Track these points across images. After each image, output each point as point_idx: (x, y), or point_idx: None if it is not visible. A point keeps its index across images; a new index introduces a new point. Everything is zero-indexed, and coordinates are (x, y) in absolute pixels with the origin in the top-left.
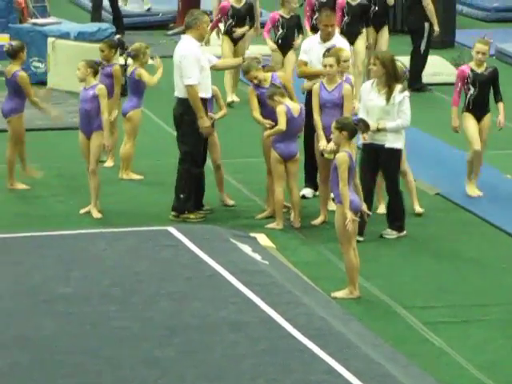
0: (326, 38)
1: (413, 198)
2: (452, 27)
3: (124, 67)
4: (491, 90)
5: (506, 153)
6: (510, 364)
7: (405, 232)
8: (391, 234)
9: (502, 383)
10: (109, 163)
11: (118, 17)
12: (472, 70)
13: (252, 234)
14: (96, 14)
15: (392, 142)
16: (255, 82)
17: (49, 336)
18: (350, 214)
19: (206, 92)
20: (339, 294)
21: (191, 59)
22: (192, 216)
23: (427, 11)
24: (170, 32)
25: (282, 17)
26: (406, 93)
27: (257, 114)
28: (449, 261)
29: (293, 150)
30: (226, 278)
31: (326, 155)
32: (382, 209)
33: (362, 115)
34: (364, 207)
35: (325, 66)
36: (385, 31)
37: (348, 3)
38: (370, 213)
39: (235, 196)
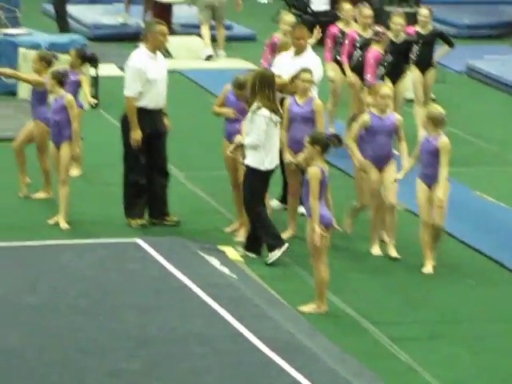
0: (298, 51)
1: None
2: None
3: (95, 79)
4: None
5: (475, 169)
6: (477, 381)
7: (256, 256)
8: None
9: None
10: (75, 172)
11: (62, 17)
12: None
13: (220, 247)
14: (63, 24)
15: (248, 159)
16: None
17: (14, 346)
18: (318, 229)
19: (151, 102)
20: (307, 308)
21: (132, 71)
22: (132, 222)
23: None
24: (140, 44)
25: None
26: (262, 112)
27: (217, 108)
28: (417, 277)
29: None
30: (193, 291)
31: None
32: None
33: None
34: (334, 222)
35: (303, 81)
36: (432, 73)
37: (392, 41)
38: (340, 228)
39: (204, 209)
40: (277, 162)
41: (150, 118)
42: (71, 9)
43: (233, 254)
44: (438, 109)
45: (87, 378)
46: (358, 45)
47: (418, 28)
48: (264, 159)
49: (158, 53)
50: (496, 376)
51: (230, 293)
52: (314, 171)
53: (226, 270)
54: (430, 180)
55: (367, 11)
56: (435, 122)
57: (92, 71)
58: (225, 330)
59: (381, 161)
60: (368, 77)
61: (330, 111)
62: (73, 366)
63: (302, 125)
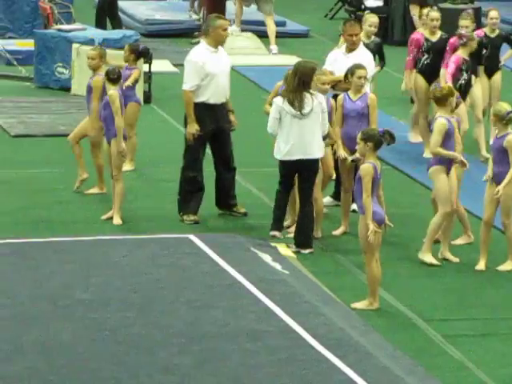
0: (350, 48)
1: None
2: None
3: (148, 75)
4: None
5: None
6: None
7: (308, 251)
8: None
9: None
10: (127, 167)
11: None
12: None
13: (272, 244)
14: (101, 23)
15: None
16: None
17: (66, 341)
18: (371, 225)
19: (212, 96)
20: (359, 304)
21: (191, 65)
22: (185, 217)
23: None
24: (194, 40)
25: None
26: (275, 99)
27: (268, 106)
28: (469, 274)
29: None
30: (245, 287)
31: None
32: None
33: None
34: (387, 219)
35: (359, 77)
36: (499, 77)
37: (486, 35)
38: (392, 225)
39: (256, 205)
40: (303, 156)
41: (212, 114)
42: (124, 4)
43: (285, 250)
44: (504, 106)
45: (139, 374)
46: (423, 49)
47: (486, 30)
48: (281, 149)
49: (221, 48)
50: None
51: (283, 289)
52: (367, 168)
53: (278, 266)
54: (499, 178)
55: (434, 14)
56: (502, 120)
57: (145, 67)
58: (277, 327)
59: (450, 164)
60: (447, 79)
61: (413, 114)
62: (125, 361)
63: (356, 121)
